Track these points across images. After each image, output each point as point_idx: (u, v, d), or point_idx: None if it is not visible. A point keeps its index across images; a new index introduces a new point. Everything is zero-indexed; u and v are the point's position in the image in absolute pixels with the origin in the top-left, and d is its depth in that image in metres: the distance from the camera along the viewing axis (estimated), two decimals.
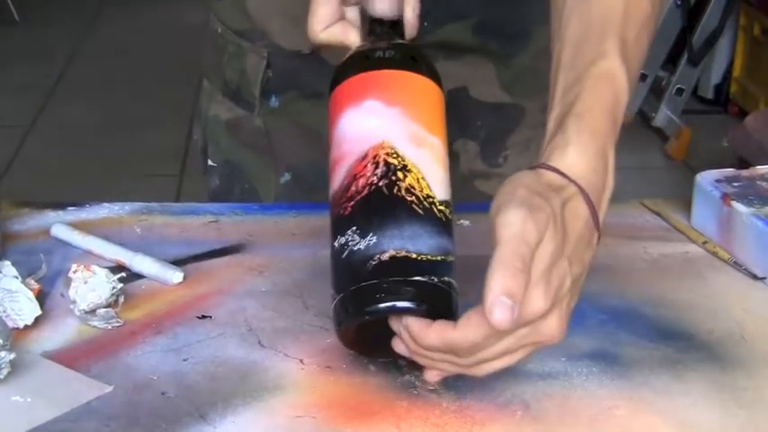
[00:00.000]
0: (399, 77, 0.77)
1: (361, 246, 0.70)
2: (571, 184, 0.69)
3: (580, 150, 0.70)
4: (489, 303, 0.62)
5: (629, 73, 0.75)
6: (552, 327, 0.67)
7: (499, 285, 0.62)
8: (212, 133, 1.14)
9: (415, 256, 0.70)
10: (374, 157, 0.73)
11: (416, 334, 0.69)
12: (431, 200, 0.72)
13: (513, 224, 0.64)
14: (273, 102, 1.08)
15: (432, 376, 0.73)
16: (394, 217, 0.71)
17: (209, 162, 1.15)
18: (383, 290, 0.69)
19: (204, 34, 1.14)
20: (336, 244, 0.72)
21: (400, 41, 0.80)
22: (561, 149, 0.70)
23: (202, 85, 1.16)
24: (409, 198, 0.72)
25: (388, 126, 0.74)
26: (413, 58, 0.79)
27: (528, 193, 0.66)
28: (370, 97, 0.75)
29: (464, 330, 0.67)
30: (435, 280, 0.70)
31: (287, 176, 1.10)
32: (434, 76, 0.78)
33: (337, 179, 0.74)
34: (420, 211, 0.71)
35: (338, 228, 0.73)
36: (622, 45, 0.75)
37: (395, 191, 0.72)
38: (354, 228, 0.71)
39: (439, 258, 0.70)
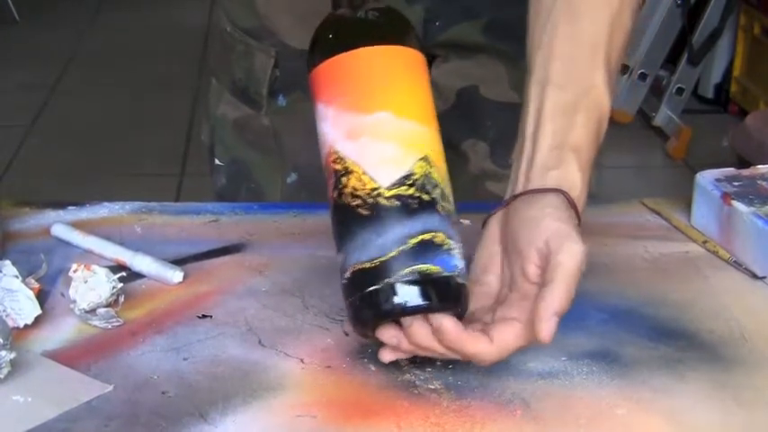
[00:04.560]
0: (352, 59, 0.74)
1: (339, 260, 0.74)
2: (576, 218, 0.76)
3: (582, 187, 0.78)
4: (545, 319, 0.70)
5: (611, 96, 0.81)
6: None
7: (558, 305, 0.70)
8: (219, 132, 1.14)
9: (368, 265, 0.71)
10: (327, 167, 0.75)
11: (452, 339, 0.72)
12: (376, 193, 0.72)
13: (577, 256, 0.72)
14: (281, 101, 1.08)
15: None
16: (347, 228, 0.73)
17: (216, 161, 1.15)
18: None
19: (210, 33, 1.15)
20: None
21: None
22: (571, 183, 0.77)
23: (210, 83, 1.16)
24: (354, 203, 0.72)
25: (331, 128, 0.74)
26: (375, 25, 0.76)
27: (577, 227, 0.75)
28: (321, 100, 0.75)
29: (502, 349, 0.72)
30: (402, 277, 0.71)
31: (293, 176, 1.10)
32: (394, 35, 0.76)
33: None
34: (365, 213, 0.72)
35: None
36: (608, 72, 0.81)
37: (343, 199, 0.73)
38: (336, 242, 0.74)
39: (407, 246, 0.71)
